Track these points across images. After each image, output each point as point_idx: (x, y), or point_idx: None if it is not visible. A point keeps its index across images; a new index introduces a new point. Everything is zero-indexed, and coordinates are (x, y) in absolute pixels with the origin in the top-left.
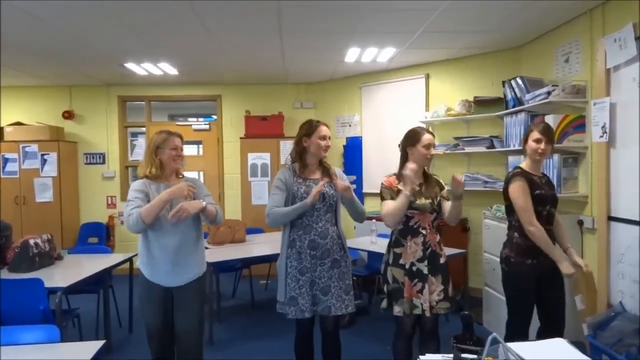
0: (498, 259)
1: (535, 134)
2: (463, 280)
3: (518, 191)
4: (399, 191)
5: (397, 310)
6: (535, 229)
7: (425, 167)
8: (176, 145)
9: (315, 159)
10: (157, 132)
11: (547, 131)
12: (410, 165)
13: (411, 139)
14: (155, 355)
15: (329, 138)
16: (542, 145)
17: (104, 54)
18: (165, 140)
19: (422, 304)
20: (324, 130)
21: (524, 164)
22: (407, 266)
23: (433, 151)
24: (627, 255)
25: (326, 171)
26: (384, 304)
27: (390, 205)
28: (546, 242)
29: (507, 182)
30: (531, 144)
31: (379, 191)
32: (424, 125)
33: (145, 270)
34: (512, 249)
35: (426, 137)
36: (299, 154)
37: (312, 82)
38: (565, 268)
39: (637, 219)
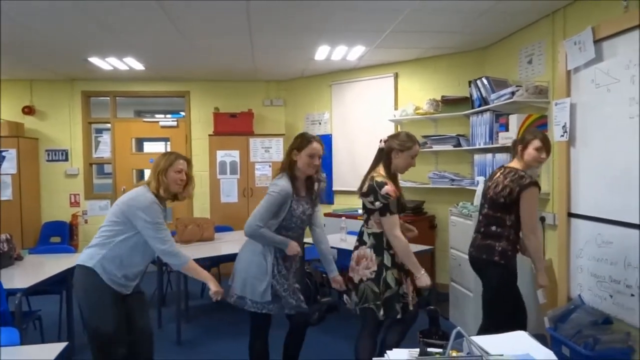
0: (465, 255)
1: (537, 143)
2: (430, 276)
3: (534, 199)
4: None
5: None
6: (535, 237)
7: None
8: (180, 169)
9: (303, 175)
10: (165, 153)
11: (547, 141)
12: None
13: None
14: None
15: (320, 157)
16: (543, 155)
17: (67, 48)
18: (172, 163)
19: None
20: (314, 148)
21: (517, 166)
22: (399, 263)
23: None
24: (586, 250)
25: (311, 189)
26: (382, 313)
27: (403, 238)
28: (540, 251)
29: (523, 187)
30: (532, 152)
31: (348, 189)
32: (392, 125)
33: (110, 278)
34: (510, 244)
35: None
36: (289, 166)
37: (283, 79)
38: (542, 279)
39: (596, 215)
